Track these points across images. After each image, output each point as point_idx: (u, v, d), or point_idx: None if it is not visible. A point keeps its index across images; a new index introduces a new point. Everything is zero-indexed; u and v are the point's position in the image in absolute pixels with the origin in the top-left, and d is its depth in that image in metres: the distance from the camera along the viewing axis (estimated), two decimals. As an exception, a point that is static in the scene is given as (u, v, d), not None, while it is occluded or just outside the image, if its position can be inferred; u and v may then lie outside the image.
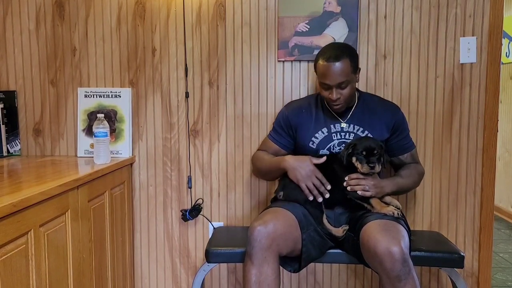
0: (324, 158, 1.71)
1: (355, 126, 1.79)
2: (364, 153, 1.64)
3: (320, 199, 1.68)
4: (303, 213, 1.66)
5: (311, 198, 1.67)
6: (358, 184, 1.64)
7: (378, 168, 1.64)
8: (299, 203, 1.70)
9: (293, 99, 2.03)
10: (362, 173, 1.66)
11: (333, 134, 1.79)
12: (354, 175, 1.66)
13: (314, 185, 1.67)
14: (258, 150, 1.99)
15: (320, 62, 1.69)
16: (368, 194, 1.64)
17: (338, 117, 1.81)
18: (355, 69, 1.70)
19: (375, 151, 1.64)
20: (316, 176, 1.68)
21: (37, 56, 2.13)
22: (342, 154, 1.68)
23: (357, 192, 1.64)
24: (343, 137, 1.79)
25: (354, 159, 1.66)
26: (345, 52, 1.68)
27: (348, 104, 1.77)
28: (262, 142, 2.00)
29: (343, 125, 1.80)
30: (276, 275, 1.53)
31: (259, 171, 1.95)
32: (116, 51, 2.12)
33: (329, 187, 1.68)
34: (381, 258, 1.42)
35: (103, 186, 1.79)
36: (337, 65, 1.65)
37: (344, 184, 1.66)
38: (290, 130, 1.87)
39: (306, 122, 1.83)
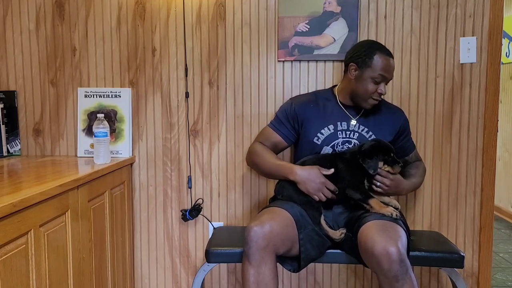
0: (332, 170, 1.69)
1: (361, 126, 1.80)
2: (392, 154, 1.67)
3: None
4: (300, 212, 1.66)
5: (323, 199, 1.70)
6: (384, 183, 1.67)
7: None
8: (297, 204, 1.70)
9: (301, 94, 2.02)
10: (391, 173, 1.69)
11: (338, 132, 1.79)
12: (385, 173, 1.68)
13: (325, 195, 1.68)
14: (255, 141, 1.92)
15: (381, 56, 1.70)
16: (384, 191, 1.69)
17: (349, 115, 1.81)
18: None
19: (394, 150, 1.70)
20: (327, 187, 1.68)
21: (37, 56, 2.13)
22: (370, 165, 1.65)
23: (378, 190, 1.68)
24: (348, 135, 1.79)
25: (381, 164, 1.67)
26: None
27: None
28: (261, 132, 1.95)
29: (353, 122, 1.80)
30: (274, 275, 1.54)
31: (257, 168, 1.88)
32: (116, 51, 2.12)
33: (337, 192, 1.70)
34: (378, 259, 1.42)
35: (103, 186, 1.79)
36: (393, 61, 1.74)
37: (375, 186, 1.68)
38: (295, 123, 1.85)
39: (313, 117, 1.82)
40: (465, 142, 2.07)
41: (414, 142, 1.94)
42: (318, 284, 2.17)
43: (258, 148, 1.87)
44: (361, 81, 1.72)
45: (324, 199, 1.67)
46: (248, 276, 1.53)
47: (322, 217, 1.68)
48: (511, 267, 2.89)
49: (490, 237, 2.09)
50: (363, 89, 1.72)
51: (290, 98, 1.94)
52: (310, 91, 2.08)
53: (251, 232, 1.53)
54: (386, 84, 1.74)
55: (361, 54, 1.72)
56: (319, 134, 1.80)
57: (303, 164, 1.76)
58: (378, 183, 1.67)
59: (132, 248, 2.18)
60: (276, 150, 1.89)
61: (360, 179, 1.68)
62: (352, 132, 1.80)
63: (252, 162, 1.90)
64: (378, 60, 1.69)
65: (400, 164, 1.69)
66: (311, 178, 1.67)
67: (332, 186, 1.68)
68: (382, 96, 1.76)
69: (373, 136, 1.78)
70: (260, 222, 1.54)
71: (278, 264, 1.60)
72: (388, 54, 1.72)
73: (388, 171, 1.68)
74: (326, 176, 1.68)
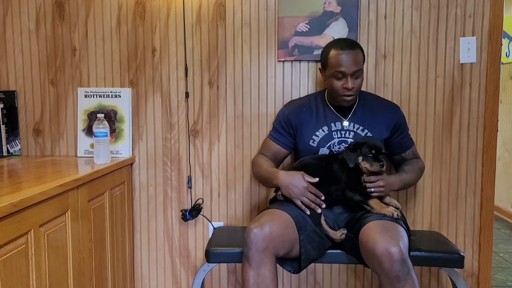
0: (317, 179, 1.68)
1: (355, 125, 1.80)
2: (373, 151, 1.65)
3: (319, 211, 1.67)
4: (300, 214, 1.66)
5: (308, 212, 1.66)
6: (378, 186, 1.66)
7: (384, 168, 1.66)
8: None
9: (294, 99, 2.03)
10: (372, 172, 1.66)
11: (333, 133, 1.80)
12: (373, 178, 1.66)
13: (309, 199, 1.66)
14: (258, 153, 1.98)
15: (334, 51, 1.70)
16: (382, 194, 1.67)
17: (340, 115, 1.81)
18: (364, 61, 1.76)
19: (383, 150, 1.66)
20: (310, 191, 1.67)
21: (37, 56, 2.13)
22: (349, 157, 1.66)
23: (373, 193, 1.66)
24: (343, 135, 1.79)
25: (361, 159, 1.66)
26: (356, 43, 1.74)
27: (356, 98, 1.78)
28: (262, 143, 1.99)
29: (345, 123, 1.80)
30: (274, 276, 1.54)
31: (256, 177, 1.94)
32: (116, 51, 2.12)
33: (322, 197, 1.68)
34: (380, 259, 1.42)
35: (103, 186, 1.79)
36: (353, 53, 1.70)
37: (365, 184, 1.66)
38: (290, 129, 1.87)
39: (306, 120, 1.84)
40: (465, 142, 2.07)
41: (414, 142, 1.94)
42: (318, 284, 2.17)
43: (257, 158, 1.93)
44: (328, 81, 1.76)
45: (308, 202, 1.66)
46: (248, 278, 1.53)
47: (322, 218, 1.68)
48: (511, 267, 2.89)
49: (490, 237, 2.09)
50: (331, 88, 1.75)
51: (284, 105, 1.96)
52: (310, 91, 2.08)
53: (250, 234, 1.53)
54: (355, 77, 1.70)
55: (322, 56, 1.78)
56: (314, 137, 1.81)
57: (299, 164, 1.77)
58: (373, 189, 1.66)
59: (132, 248, 2.18)
60: (278, 158, 1.92)
61: (357, 179, 1.68)
62: (347, 132, 1.80)
63: (253, 172, 1.96)
64: (332, 57, 1.71)
65: (381, 163, 1.64)
66: (294, 183, 1.67)
67: (314, 190, 1.67)
68: (353, 91, 1.70)
69: (368, 134, 1.78)
70: (260, 224, 1.54)
71: (278, 265, 1.60)
72: (343, 47, 1.69)
73: (366, 168, 1.66)
74: (322, 178, 1.69)
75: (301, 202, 1.67)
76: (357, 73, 1.70)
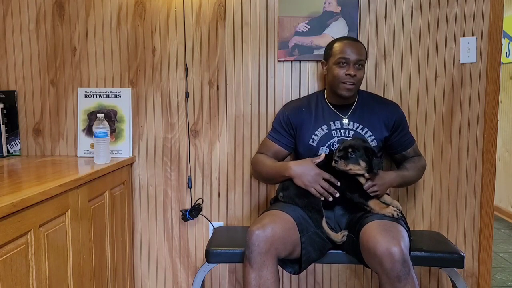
0: (323, 155, 1.71)
1: (355, 124, 1.80)
2: (340, 147, 1.66)
3: (331, 199, 1.68)
4: (302, 215, 1.66)
5: (322, 198, 1.67)
6: (370, 186, 1.66)
7: (342, 165, 1.64)
8: (299, 206, 1.70)
9: (293, 99, 2.03)
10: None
11: (333, 131, 1.80)
12: (362, 179, 1.66)
13: (323, 187, 1.67)
14: (257, 153, 1.98)
15: (339, 42, 1.78)
16: (378, 194, 1.67)
17: (339, 114, 1.81)
18: (367, 58, 1.83)
19: (350, 150, 1.64)
20: (323, 178, 1.67)
21: (37, 56, 2.13)
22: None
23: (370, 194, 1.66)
24: (342, 134, 1.80)
25: (336, 155, 1.67)
26: (359, 40, 1.84)
27: (355, 91, 1.79)
28: (261, 144, 1.99)
29: (344, 121, 1.80)
30: (276, 278, 1.54)
31: (260, 176, 1.94)
32: (116, 51, 2.12)
33: (338, 183, 1.68)
34: (381, 258, 1.42)
35: (103, 186, 1.79)
36: (358, 44, 1.78)
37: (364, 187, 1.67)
38: (291, 129, 1.87)
39: (306, 120, 1.84)
40: (465, 142, 2.07)
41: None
42: (318, 284, 2.17)
43: (258, 157, 1.93)
44: (330, 71, 1.79)
45: (321, 190, 1.66)
46: (250, 279, 1.52)
47: (324, 220, 1.68)
48: (511, 267, 2.89)
49: (490, 237, 2.09)
50: (332, 77, 1.77)
51: (283, 106, 1.97)
52: (310, 91, 2.08)
53: (252, 235, 1.52)
54: (358, 67, 1.73)
55: (327, 48, 1.83)
56: (313, 136, 1.81)
57: None
58: (368, 190, 1.66)
59: (132, 248, 2.18)
60: (278, 158, 1.92)
61: (356, 180, 1.68)
62: (347, 130, 1.80)
63: (256, 172, 1.97)
64: (336, 46, 1.77)
65: (336, 159, 1.64)
66: (306, 171, 1.68)
67: (327, 175, 1.67)
68: (354, 79, 1.73)
69: (368, 133, 1.79)
70: (262, 225, 1.54)
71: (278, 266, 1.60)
72: (348, 38, 1.81)
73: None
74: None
75: (315, 189, 1.67)
76: (360, 63, 1.74)
